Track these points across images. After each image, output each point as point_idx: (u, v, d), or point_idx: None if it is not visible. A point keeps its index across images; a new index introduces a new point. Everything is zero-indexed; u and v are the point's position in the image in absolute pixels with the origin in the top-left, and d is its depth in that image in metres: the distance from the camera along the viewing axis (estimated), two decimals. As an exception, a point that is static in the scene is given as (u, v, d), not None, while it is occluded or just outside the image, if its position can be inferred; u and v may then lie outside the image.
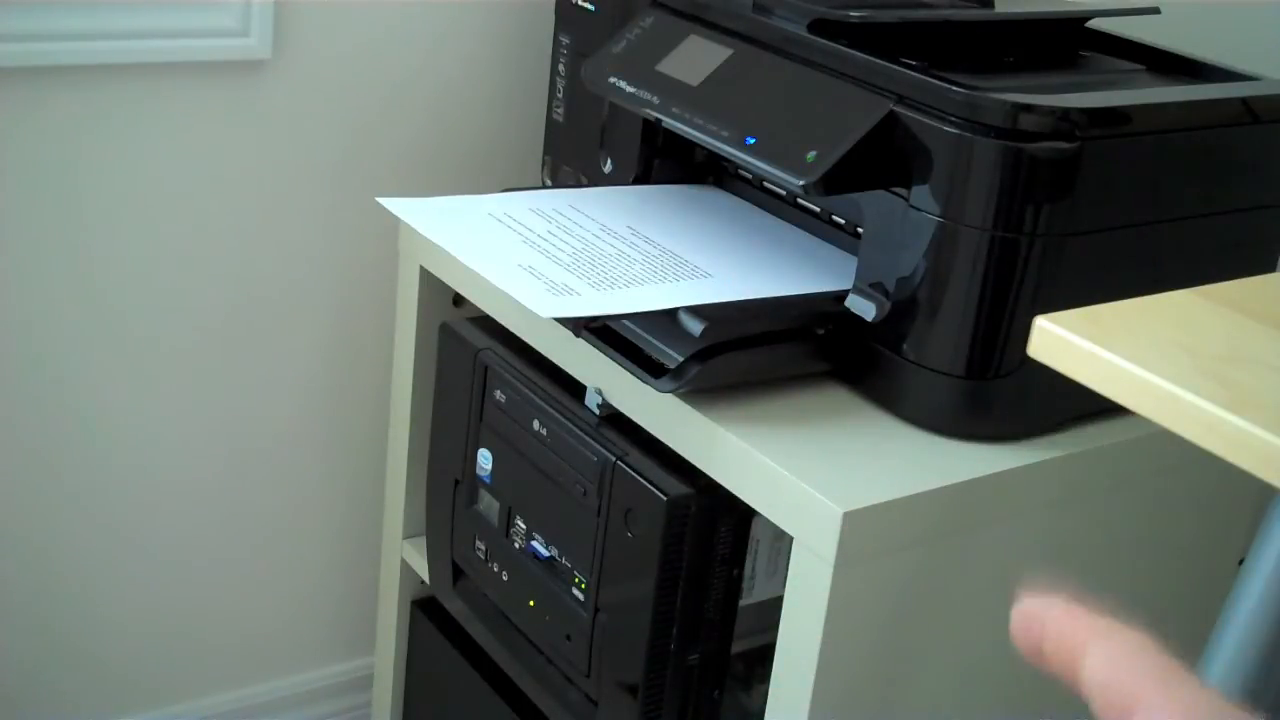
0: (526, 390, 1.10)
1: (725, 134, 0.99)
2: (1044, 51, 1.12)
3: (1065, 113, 0.89)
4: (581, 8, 1.22)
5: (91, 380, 1.31)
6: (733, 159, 1.07)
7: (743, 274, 1.03)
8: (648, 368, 0.95)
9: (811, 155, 0.92)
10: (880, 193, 0.94)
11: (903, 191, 0.92)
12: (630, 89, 1.07)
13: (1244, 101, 1.00)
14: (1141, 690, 0.31)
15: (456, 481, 1.20)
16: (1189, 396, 0.62)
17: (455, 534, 1.21)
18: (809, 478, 0.88)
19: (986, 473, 0.92)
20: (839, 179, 0.92)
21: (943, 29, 1.07)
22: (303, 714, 1.56)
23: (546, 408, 1.07)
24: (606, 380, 1.04)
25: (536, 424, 1.08)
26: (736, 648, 1.04)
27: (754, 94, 1.00)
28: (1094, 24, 1.14)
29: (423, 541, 1.29)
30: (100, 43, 1.20)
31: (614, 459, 1.01)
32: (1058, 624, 0.33)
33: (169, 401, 1.36)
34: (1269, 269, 1.05)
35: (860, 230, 0.99)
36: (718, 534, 0.98)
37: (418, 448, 1.30)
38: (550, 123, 1.29)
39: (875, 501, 0.87)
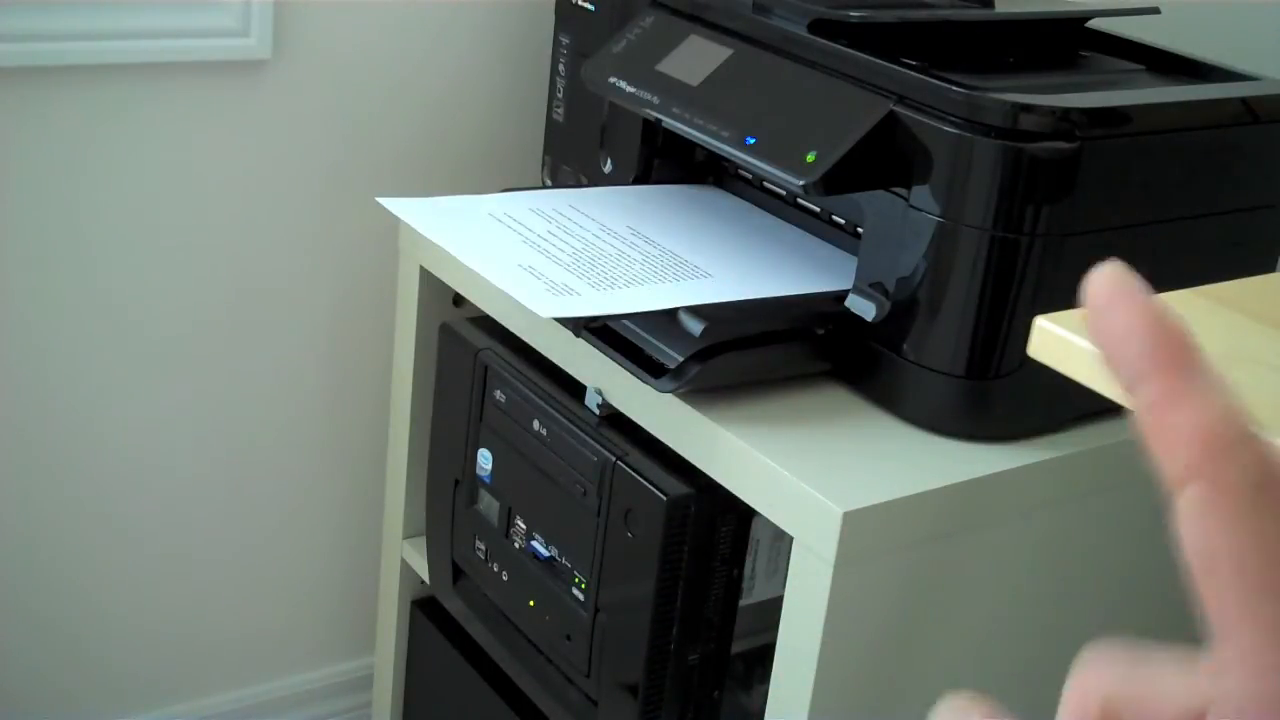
0: (526, 390, 1.10)
1: (725, 134, 0.99)
2: (1044, 51, 1.12)
3: (1065, 113, 0.89)
4: (581, 8, 1.22)
5: (92, 380, 1.31)
6: (733, 159, 1.07)
7: (743, 274, 1.03)
8: (648, 368, 0.95)
9: (811, 155, 0.92)
10: (880, 193, 0.94)
11: (903, 191, 0.92)
12: (630, 89, 1.07)
13: (1244, 101, 1.00)
14: None
15: (456, 481, 1.20)
16: (1189, 396, 0.61)
17: (455, 534, 1.21)
18: (809, 478, 0.88)
19: (986, 473, 0.92)
20: (839, 179, 0.92)
21: (943, 29, 1.07)
22: (303, 714, 1.56)
23: (546, 408, 1.07)
24: (606, 380, 1.04)
25: (536, 424, 1.08)
26: (736, 648, 1.04)
27: (754, 94, 1.00)
28: (1094, 24, 1.14)
29: (423, 541, 1.29)
30: (100, 43, 1.20)
31: (614, 459, 1.01)
32: None
33: (169, 401, 1.36)
34: (1269, 269, 1.05)
35: (860, 230, 0.99)
36: (718, 534, 0.98)
37: (418, 448, 1.30)
38: (550, 123, 1.29)
39: (875, 501, 0.87)
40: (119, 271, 1.29)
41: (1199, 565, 0.24)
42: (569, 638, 1.07)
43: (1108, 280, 0.25)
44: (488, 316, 1.18)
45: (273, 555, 1.48)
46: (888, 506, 0.87)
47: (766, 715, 0.94)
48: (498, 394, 1.13)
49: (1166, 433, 0.24)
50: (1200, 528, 0.23)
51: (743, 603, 1.02)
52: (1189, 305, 0.72)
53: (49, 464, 1.32)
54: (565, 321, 1.02)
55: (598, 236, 1.06)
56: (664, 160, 1.18)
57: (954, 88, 0.89)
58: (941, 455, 0.93)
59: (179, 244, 1.31)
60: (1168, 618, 1.14)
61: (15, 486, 1.31)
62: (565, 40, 1.26)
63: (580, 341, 1.01)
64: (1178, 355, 0.24)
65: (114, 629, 1.42)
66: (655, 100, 1.05)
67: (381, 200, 1.06)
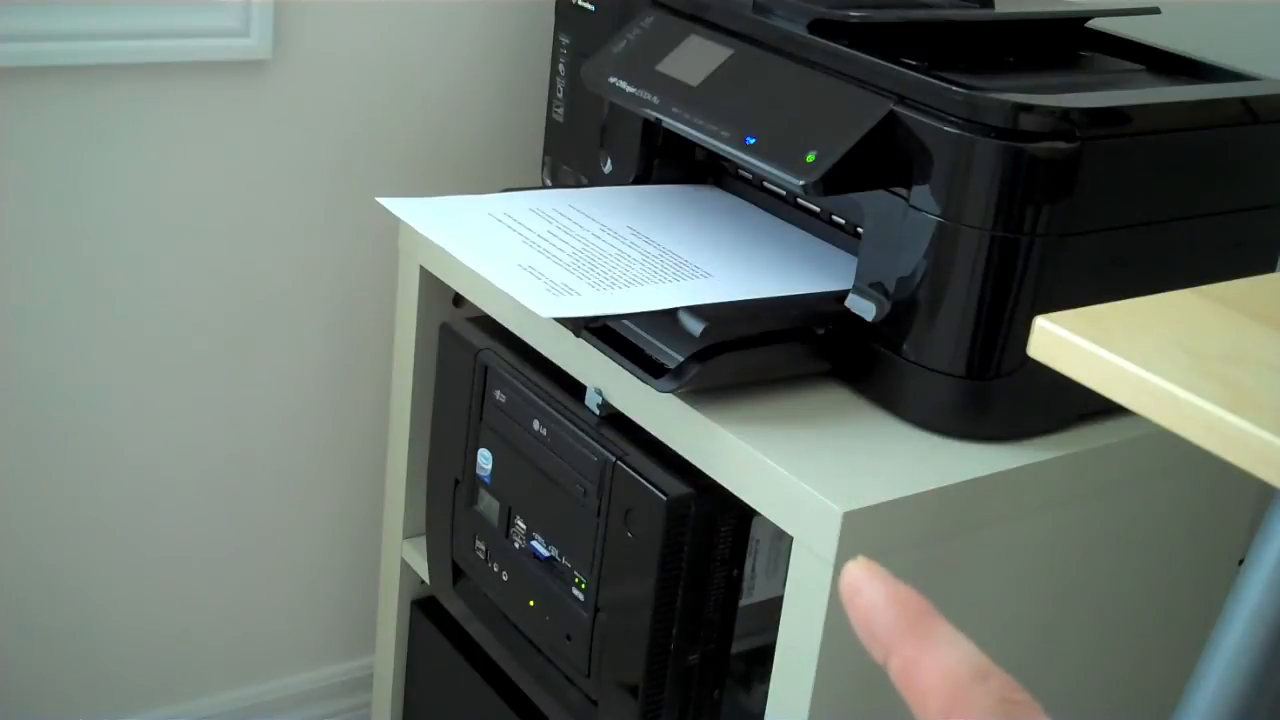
0: (526, 390, 1.10)
1: (725, 134, 0.99)
2: (1044, 51, 1.12)
3: (1065, 113, 0.89)
4: (581, 8, 1.22)
5: (91, 380, 1.31)
6: (733, 159, 1.07)
7: (743, 274, 1.03)
8: (648, 368, 0.95)
9: (811, 155, 0.92)
10: (880, 193, 0.94)
11: (903, 191, 0.92)
12: (630, 89, 1.07)
13: (1244, 101, 1.00)
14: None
15: (456, 481, 1.20)
16: (1189, 396, 0.61)
17: (455, 534, 1.21)
18: (809, 478, 0.88)
19: (986, 473, 0.92)
20: (839, 179, 0.92)
21: (943, 29, 1.07)
22: (303, 714, 1.56)
23: (546, 408, 1.07)
24: (606, 380, 1.04)
25: (536, 424, 1.08)
26: (736, 648, 1.04)
27: (754, 94, 1.00)
28: (1094, 24, 1.14)
29: (423, 541, 1.29)
30: (100, 43, 1.20)
31: (614, 459, 1.01)
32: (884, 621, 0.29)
33: (169, 401, 1.36)
34: (1269, 269, 1.05)
35: (860, 230, 0.99)
36: (718, 534, 0.98)
37: (418, 448, 1.30)
38: (550, 123, 1.29)
39: (875, 501, 0.87)
40: (118, 272, 1.29)
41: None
42: (569, 638, 1.07)
43: (855, 571, 0.29)
44: (488, 316, 1.18)
45: (273, 555, 1.48)
46: (888, 506, 0.87)
47: (766, 715, 0.94)
48: (498, 394, 1.13)
49: (918, 688, 0.28)
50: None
51: (743, 603, 1.02)
52: (1189, 305, 0.72)
53: (49, 464, 1.32)
54: (565, 321, 1.02)
55: (598, 236, 1.06)
56: (664, 160, 1.18)
57: (954, 88, 0.89)
58: (941, 455, 0.93)
59: (178, 244, 1.31)
60: (1166, 617, 1.14)
61: (15, 487, 1.31)
62: (565, 40, 1.26)
63: (580, 341, 1.01)
64: (916, 623, 0.28)
65: (114, 629, 1.42)
66: (655, 100, 1.05)
67: (381, 200, 1.06)
